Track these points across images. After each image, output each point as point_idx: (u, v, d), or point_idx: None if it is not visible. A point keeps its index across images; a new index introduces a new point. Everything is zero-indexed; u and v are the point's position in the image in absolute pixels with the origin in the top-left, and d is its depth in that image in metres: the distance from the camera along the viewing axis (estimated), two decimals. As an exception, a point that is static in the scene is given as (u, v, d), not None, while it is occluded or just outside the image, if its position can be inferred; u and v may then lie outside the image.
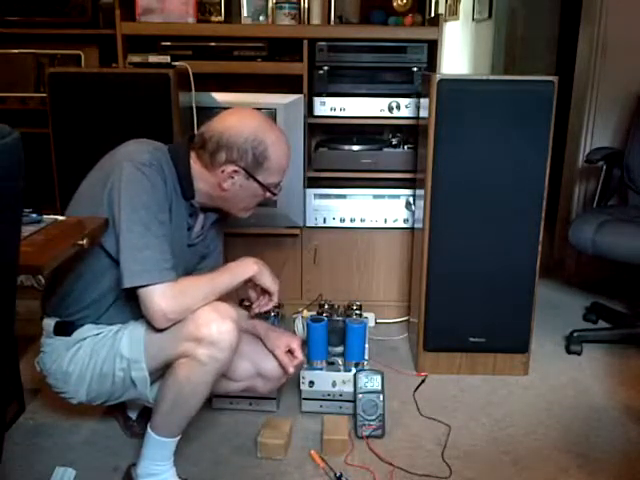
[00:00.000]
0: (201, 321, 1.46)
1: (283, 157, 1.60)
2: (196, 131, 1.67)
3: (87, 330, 1.58)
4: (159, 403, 1.53)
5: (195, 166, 1.57)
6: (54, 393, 1.65)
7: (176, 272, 1.48)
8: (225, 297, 1.84)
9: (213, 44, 2.41)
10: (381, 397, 1.88)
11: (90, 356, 1.55)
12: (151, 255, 1.43)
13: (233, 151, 1.52)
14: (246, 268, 1.61)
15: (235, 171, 1.54)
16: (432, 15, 2.79)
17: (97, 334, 1.57)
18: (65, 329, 1.58)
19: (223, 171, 1.54)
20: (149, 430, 1.55)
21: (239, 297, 2.33)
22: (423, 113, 2.25)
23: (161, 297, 1.43)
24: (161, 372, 1.55)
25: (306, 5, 2.57)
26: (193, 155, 1.58)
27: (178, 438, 1.57)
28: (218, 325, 1.46)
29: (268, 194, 1.62)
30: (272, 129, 1.59)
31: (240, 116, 1.58)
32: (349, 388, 1.94)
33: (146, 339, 1.51)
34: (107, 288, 1.54)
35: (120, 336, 1.55)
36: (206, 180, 1.57)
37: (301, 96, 2.37)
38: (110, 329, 1.57)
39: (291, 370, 1.77)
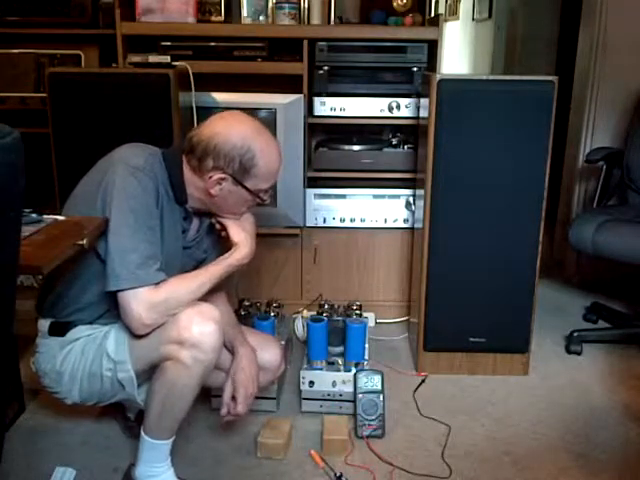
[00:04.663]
0: (183, 323, 1.45)
1: (272, 164, 1.57)
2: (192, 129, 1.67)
3: (81, 330, 1.58)
4: (149, 406, 1.53)
5: (186, 171, 1.57)
6: (49, 393, 1.65)
7: (167, 275, 1.47)
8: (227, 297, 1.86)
9: (213, 44, 2.41)
10: (381, 397, 1.88)
11: (81, 356, 1.55)
12: (136, 259, 1.42)
13: (220, 158, 1.51)
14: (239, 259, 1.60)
15: (222, 178, 1.53)
16: (432, 15, 2.79)
17: (89, 334, 1.57)
18: (60, 329, 1.58)
19: (211, 177, 1.53)
20: (142, 434, 1.55)
21: (239, 297, 2.34)
22: (423, 113, 2.25)
23: (139, 304, 1.42)
24: (149, 373, 1.54)
25: (306, 5, 2.57)
26: (184, 160, 1.57)
27: (172, 439, 1.57)
28: (200, 327, 1.45)
29: (257, 200, 1.62)
30: (261, 135, 1.56)
31: (228, 122, 1.55)
32: (349, 388, 1.94)
33: (130, 341, 1.51)
34: (101, 291, 1.52)
35: (107, 337, 1.55)
36: (196, 185, 1.57)
37: (301, 96, 2.37)
38: (101, 329, 1.57)
39: (223, 412, 1.70)
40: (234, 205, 1.60)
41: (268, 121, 2.27)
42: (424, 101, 2.21)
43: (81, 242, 1.30)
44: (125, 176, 1.46)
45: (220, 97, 2.34)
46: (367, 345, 2.07)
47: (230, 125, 1.54)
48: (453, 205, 2.09)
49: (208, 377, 1.56)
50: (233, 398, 1.69)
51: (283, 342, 2.04)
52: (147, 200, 1.48)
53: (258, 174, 1.55)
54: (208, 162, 1.52)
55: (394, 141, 2.57)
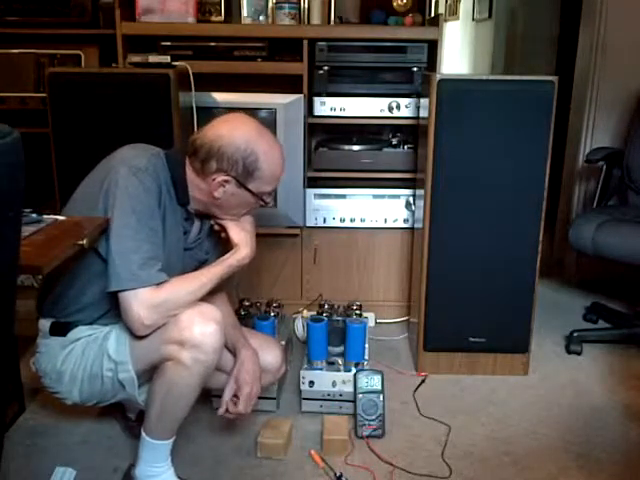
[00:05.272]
0: (184, 324, 1.45)
1: (275, 167, 1.57)
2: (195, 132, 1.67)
3: (81, 331, 1.57)
4: (149, 407, 1.53)
5: (189, 173, 1.57)
6: (49, 393, 1.65)
7: (169, 276, 1.47)
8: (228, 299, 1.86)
9: (213, 44, 2.41)
10: (381, 397, 1.88)
11: (81, 356, 1.55)
12: (137, 260, 1.42)
13: (223, 161, 1.51)
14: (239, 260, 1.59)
15: (226, 180, 1.53)
16: (432, 15, 2.79)
17: (90, 335, 1.57)
18: (60, 329, 1.58)
19: (214, 179, 1.53)
20: (143, 433, 1.55)
21: (239, 297, 2.34)
22: (423, 113, 2.25)
23: (140, 304, 1.42)
24: (150, 374, 1.54)
25: (306, 5, 2.57)
26: (187, 162, 1.57)
27: (172, 440, 1.57)
28: (201, 328, 1.45)
29: (260, 202, 1.62)
30: (264, 138, 1.56)
31: (232, 125, 1.55)
32: (349, 388, 1.94)
33: (131, 341, 1.51)
34: (102, 292, 1.52)
35: (108, 337, 1.55)
36: (199, 187, 1.57)
37: (301, 96, 2.37)
38: (102, 330, 1.57)
39: (220, 411, 1.71)
40: (236, 207, 1.60)
41: (268, 121, 2.27)
42: (424, 101, 2.21)
43: (81, 242, 1.30)
44: (127, 176, 1.46)
45: (220, 97, 2.35)
46: (367, 345, 2.07)
47: (234, 128, 1.54)
48: (453, 205, 2.09)
49: (209, 378, 1.56)
50: (235, 397, 1.69)
51: (283, 342, 2.04)
52: (149, 201, 1.48)
53: (261, 177, 1.55)
54: (211, 164, 1.52)
55: (394, 141, 2.57)
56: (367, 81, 2.49)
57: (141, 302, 1.42)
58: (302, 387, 1.97)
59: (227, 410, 1.69)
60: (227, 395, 1.69)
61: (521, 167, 2.05)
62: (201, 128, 1.59)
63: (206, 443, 1.84)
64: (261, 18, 2.56)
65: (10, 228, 0.89)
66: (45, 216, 1.42)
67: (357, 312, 2.18)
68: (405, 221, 2.55)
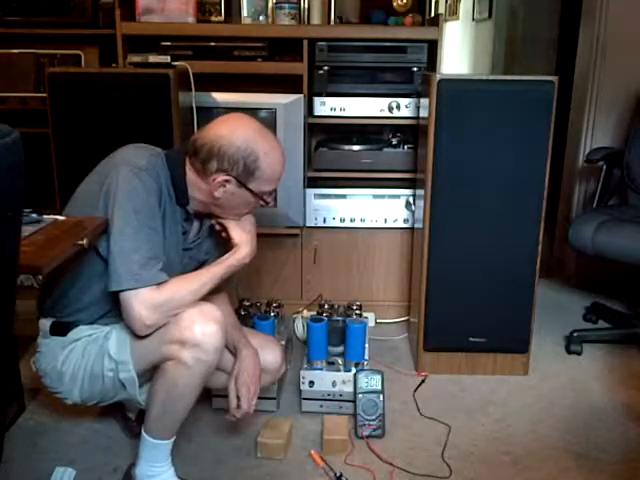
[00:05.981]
0: (185, 324, 1.45)
1: (276, 166, 1.57)
2: (195, 132, 1.67)
3: (82, 330, 1.58)
4: (149, 406, 1.53)
5: (189, 173, 1.57)
6: (50, 393, 1.65)
7: (168, 276, 1.47)
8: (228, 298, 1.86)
9: (213, 44, 2.42)
10: (381, 397, 1.88)
11: (82, 356, 1.55)
12: (138, 259, 1.42)
13: (224, 161, 1.51)
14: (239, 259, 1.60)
15: (226, 180, 1.53)
16: (432, 15, 2.79)
17: (90, 335, 1.57)
18: (61, 329, 1.58)
19: (214, 179, 1.53)
20: (143, 433, 1.55)
21: (239, 297, 2.34)
22: (423, 113, 2.25)
23: (141, 304, 1.42)
24: (150, 373, 1.55)
25: (306, 5, 2.57)
26: (187, 162, 1.57)
27: (172, 439, 1.57)
28: (202, 327, 1.45)
29: (261, 202, 1.62)
30: (265, 138, 1.56)
31: (232, 125, 1.55)
32: (349, 388, 1.94)
33: (132, 341, 1.51)
34: (103, 291, 1.52)
35: (109, 337, 1.55)
36: (199, 187, 1.57)
37: (301, 96, 2.37)
38: (102, 330, 1.57)
39: (229, 415, 1.72)
40: (237, 207, 1.60)
41: (268, 121, 2.27)
42: (424, 101, 2.21)
43: (81, 242, 1.30)
44: (128, 176, 1.46)
45: (220, 97, 2.35)
46: (367, 345, 2.07)
47: (234, 128, 1.54)
48: (453, 205, 2.09)
49: (210, 378, 1.56)
50: (237, 398, 1.69)
51: (283, 342, 2.04)
52: (150, 200, 1.48)
53: (262, 176, 1.55)
54: (212, 164, 1.52)
55: (394, 141, 2.57)
56: (367, 81, 2.49)
57: (142, 302, 1.42)
58: (302, 387, 1.97)
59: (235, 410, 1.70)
60: (232, 397, 1.69)
61: (521, 167, 2.05)
62: (201, 128, 1.59)
63: (206, 443, 1.84)
64: (261, 18, 2.56)
65: (10, 228, 0.89)
66: (45, 216, 1.42)
67: (357, 312, 2.18)
68: (405, 221, 2.55)
